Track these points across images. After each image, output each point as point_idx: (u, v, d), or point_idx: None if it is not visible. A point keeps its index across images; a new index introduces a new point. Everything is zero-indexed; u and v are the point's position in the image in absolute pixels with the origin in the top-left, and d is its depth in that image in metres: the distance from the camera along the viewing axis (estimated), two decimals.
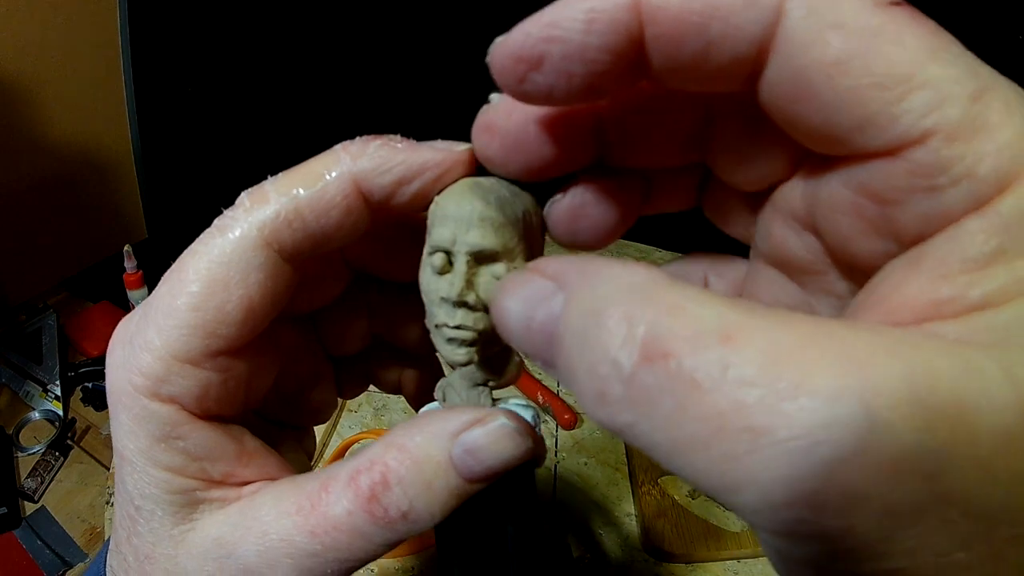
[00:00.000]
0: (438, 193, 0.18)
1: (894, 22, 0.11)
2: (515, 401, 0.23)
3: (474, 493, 0.17)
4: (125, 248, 0.77)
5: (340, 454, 0.51)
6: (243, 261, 0.16)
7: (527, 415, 0.22)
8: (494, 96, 0.17)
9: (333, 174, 0.17)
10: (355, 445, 0.52)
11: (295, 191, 0.17)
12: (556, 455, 0.53)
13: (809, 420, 0.09)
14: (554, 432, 0.55)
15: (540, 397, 0.56)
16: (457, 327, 0.18)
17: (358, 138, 0.17)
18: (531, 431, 0.18)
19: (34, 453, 0.68)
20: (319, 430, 0.52)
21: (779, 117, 0.13)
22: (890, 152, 0.12)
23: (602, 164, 0.18)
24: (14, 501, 0.62)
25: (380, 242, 0.21)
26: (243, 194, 0.17)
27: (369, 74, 1.01)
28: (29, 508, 0.64)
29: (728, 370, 0.10)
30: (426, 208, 0.18)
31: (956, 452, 0.09)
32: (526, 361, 0.66)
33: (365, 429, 0.54)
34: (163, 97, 1.13)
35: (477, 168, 0.18)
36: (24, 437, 0.71)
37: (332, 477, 0.17)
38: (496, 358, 0.21)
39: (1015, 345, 0.10)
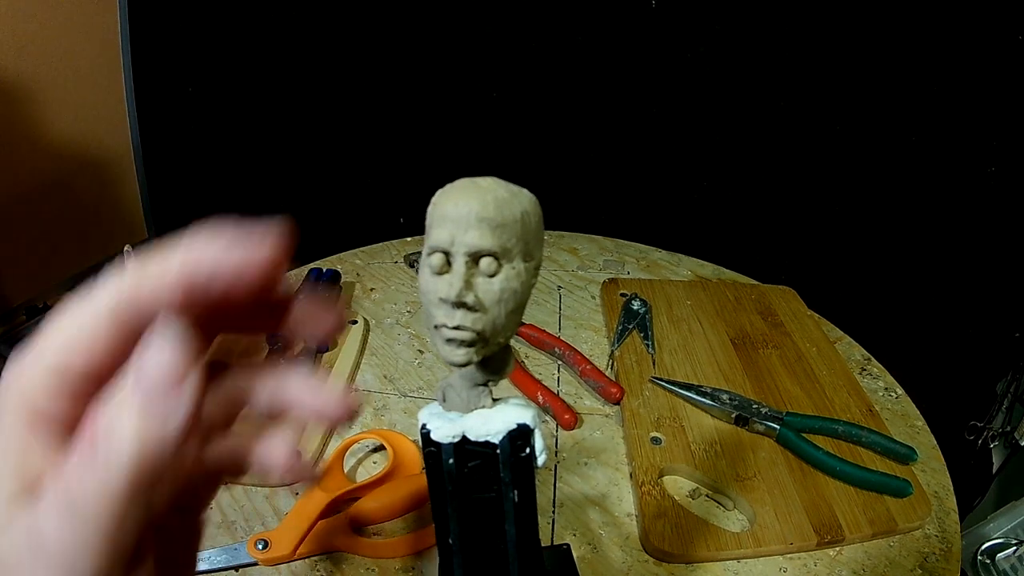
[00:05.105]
0: (438, 193, 0.18)
1: None
2: (515, 401, 0.23)
3: None
4: (125, 248, 0.77)
5: (341, 454, 0.51)
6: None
7: (527, 415, 0.22)
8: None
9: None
10: (355, 445, 0.52)
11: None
12: (556, 455, 0.53)
13: None
14: (554, 432, 0.55)
15: (540, 397, 0.56)
16: (456, 328, 0.18)
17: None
18: None
19: None
20: (319, 431, 0.52)
21: None
22: None
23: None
24: None
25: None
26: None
27: (369, 72, 1.01)
28: None
29: None
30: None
31: None
32: (525, 362, 0.65)
33: (365, 429, 0.54)
34: (163, 97, 1.13)
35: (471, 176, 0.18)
36: None
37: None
38: (495, 358, 0.21)
39: None
